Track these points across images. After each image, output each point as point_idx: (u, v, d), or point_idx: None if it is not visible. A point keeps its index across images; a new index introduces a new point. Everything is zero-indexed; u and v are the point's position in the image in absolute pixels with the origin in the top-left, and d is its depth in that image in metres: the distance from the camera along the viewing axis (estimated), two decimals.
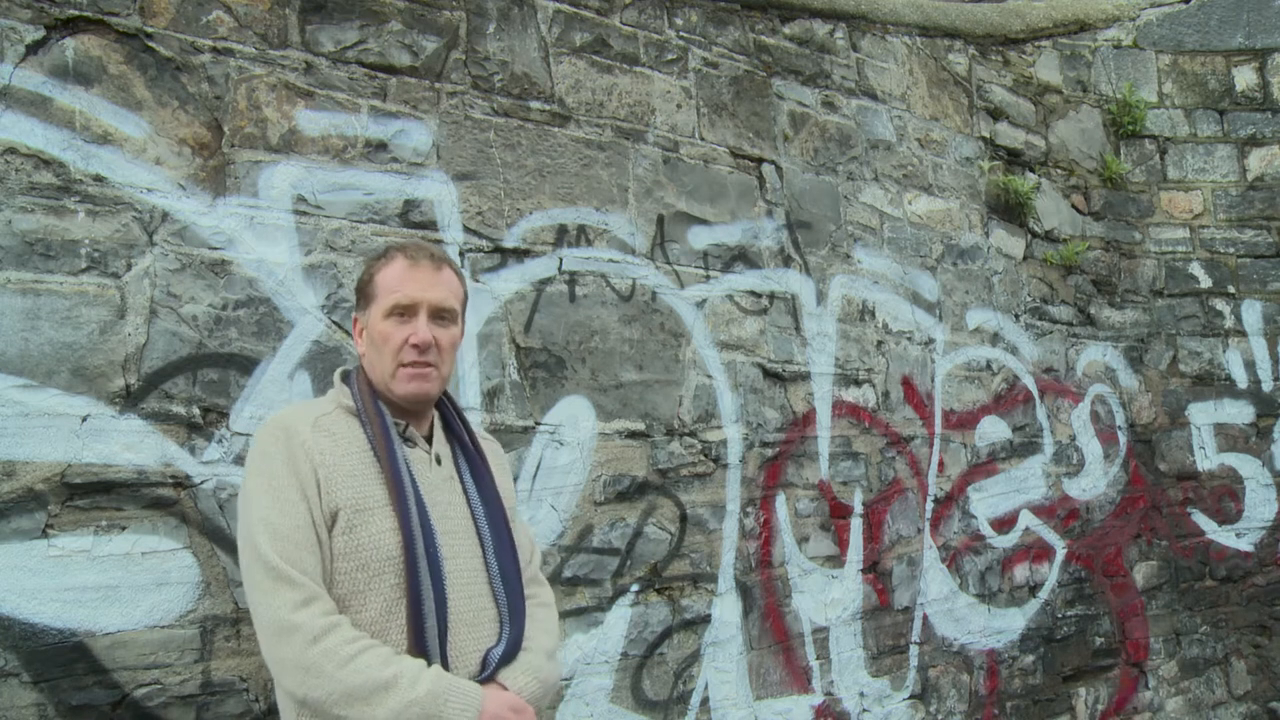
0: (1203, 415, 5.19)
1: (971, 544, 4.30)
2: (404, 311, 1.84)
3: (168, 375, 2.33)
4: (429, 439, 1.93)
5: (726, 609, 3.36)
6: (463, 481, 1.91)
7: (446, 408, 2.00)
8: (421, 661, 1.70)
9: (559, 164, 3.12)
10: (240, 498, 1.83)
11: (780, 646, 3.52)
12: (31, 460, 2.13)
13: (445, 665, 1.72)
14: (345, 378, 1.93)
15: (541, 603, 2.00)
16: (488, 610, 1.83)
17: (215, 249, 2.44)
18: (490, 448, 2.07)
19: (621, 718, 3.04)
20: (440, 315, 1.86)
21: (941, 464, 4.20)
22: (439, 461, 1.90)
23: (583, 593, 2.99)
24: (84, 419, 2.20)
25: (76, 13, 2.30)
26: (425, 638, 1.71)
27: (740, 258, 3.57)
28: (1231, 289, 5.29)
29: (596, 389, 3.10)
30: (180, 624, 2.26)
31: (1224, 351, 5.23)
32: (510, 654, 1.81)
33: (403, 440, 1.86)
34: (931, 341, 4.25)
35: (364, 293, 1.92)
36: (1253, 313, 5.26)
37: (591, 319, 3.13)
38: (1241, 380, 5.23)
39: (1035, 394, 4.68)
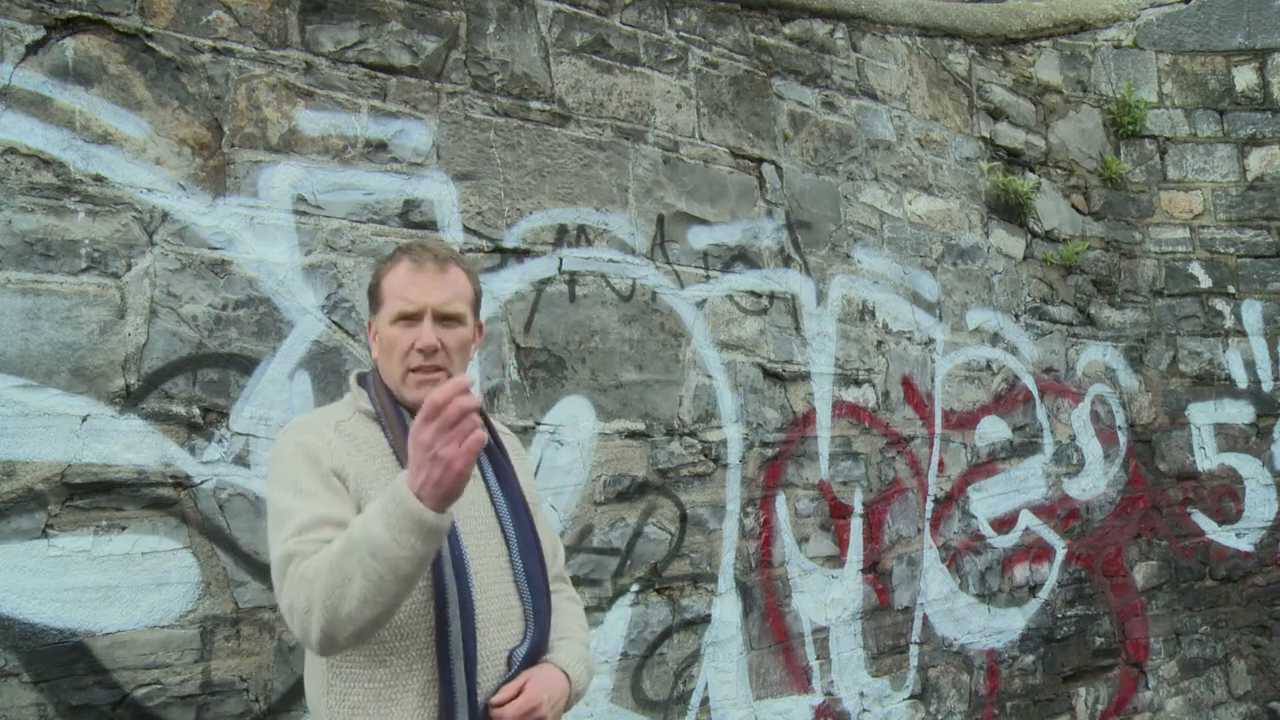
0: (1203, 415, 5.19)
1: (971, 544, 4.30)
2: (409, 317, 1.80)
3: (168, 375, 2.33)
4: None
5: (726, 609, 3.36)
6: (486, 482, 1.89)
7: None
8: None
9: (559, 164, 3.12)
10: (268, 515, 1.76)
11: (780, 646, 3.52)
12: (31, 460, 2.13)
13: (474, 665, 1.70)
14: (361, 381, 1.90)
15: (570, 597, 2.02)
16: (515, 609, 1.81)
17: (215, 249, 2.44)
18: (509, 443, 2.05)
19: (621, 717, 3.04)
20: (446, 318, 1.83)
21: (941, 464, 4.20)
22: None
23: (583, 593, 2.98)
24: (84, 419, 2.20)
25: (76, 13, 2.30)
26: (449, 640, 1.69)
27: (740, 258, 3.57)
28: (1231, 289, 5.28)
29: (596, 389, 3.10)
30: (180, 624, 2.26)
31: (1224, 351, 5.23)
32: (534, 653, 1.79)
33: None
34: (931, 341, 4.25)
35: (374, 297, 1.89)
36: (1253, 313, 5.26)
37: (591, 319, 3.13)
38: (1241, 380, 5.23)
39: (1035, 394, 4.68)
